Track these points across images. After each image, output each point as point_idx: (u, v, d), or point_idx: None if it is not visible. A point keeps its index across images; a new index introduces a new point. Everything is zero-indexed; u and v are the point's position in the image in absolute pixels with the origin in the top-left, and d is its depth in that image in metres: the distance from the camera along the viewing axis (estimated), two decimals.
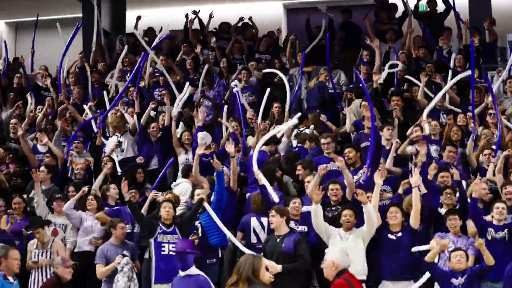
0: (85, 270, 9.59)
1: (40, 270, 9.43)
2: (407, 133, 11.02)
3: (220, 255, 9.55)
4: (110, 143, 12.36)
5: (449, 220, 8.81)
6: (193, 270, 7.46)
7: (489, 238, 8.61)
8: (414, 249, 8.48)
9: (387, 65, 13.57)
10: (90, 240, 9.97)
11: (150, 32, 16.83)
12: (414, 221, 8.67)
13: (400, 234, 8.68)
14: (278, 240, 8.61)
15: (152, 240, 9.09)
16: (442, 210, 9.20)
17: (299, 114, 11.52)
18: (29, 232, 9.90)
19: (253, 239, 9.38)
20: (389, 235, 8.70)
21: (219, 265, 9.53)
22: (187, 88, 13.28)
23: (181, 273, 7.43)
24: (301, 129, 12.12)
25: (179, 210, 9.99)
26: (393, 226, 8.73)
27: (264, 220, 9.32)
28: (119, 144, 12.28)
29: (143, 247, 9.70)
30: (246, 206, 10.15)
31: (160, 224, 9.19)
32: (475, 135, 10.81)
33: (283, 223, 8.68)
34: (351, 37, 16.09)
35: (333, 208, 9.36)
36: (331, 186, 9.40)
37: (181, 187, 10.67)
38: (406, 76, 13.31)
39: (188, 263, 7.46)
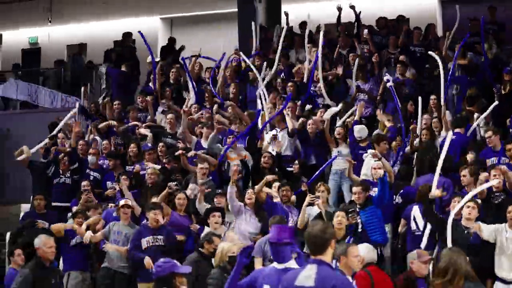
0: None
1: None
2: None
3: (379, 252, 9.30)
4: (267, 137, 12.46)
5: None
6: (292, 264, 6.09)
7: None
8: None
9: None
10: (248, 236, 9.89)
11: (303, 26, 16.84)
12: None
13: None
14: (466, 231, 8.60)
15: None
16: None
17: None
18: (198, 227, 10.15)
19: (413, 226, 9.64)
20: None
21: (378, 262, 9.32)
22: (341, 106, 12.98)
23: (278, 266, 6.13)
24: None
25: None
26: None
27: None
28: (273, 137, 12.32)
29: None
30: None
31: None
32: None
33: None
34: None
35: (496, 194, 9.36)
36: (493, 172, 9.38)
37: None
38: None
39: (286, 254, 6.15)
